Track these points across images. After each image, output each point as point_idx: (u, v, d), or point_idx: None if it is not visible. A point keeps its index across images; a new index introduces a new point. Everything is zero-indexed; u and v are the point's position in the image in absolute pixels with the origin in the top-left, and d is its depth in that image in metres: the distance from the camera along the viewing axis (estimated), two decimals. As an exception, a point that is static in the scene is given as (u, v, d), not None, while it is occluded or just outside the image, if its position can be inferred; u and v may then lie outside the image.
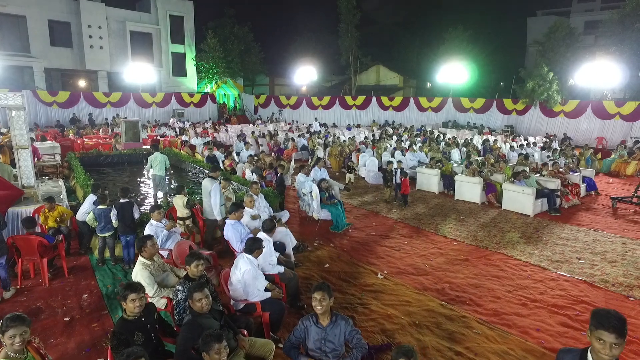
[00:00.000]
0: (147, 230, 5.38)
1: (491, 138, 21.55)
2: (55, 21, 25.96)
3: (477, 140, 18.86)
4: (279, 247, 5.76)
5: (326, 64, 37.93)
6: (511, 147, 16.43)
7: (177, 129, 26.30)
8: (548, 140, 19.62)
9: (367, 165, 12.98)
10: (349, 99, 32.27)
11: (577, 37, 25.30)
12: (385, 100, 31.34)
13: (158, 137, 19.07)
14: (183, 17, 31.48)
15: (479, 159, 13.24)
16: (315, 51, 37.46)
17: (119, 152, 14.75)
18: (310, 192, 8.38)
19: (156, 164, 9.06)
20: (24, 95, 7.35)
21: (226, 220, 5.60)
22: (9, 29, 24.51)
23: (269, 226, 5.07)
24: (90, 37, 26.66)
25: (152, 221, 5.53)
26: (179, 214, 6.70)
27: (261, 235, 4.87)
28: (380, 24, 37.49)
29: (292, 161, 12.17)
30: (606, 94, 24.28)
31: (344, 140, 16.41)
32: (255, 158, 11.26)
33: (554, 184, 10.02)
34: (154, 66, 29.84)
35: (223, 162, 11.54)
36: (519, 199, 9.49)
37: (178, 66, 31.89)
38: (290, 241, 6.25)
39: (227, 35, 33.36)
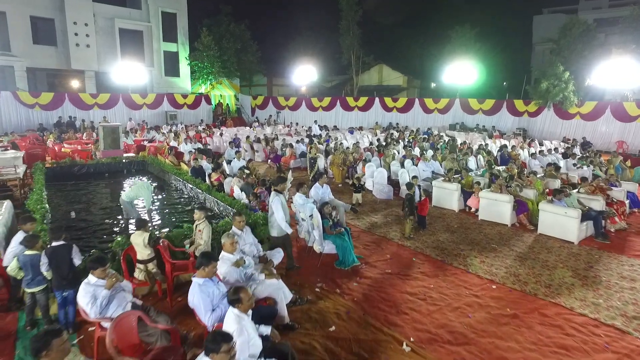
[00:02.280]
0: (82, 294, 3.82)
1: (501, 142, 20.08)
2: (38, 17, 24.40)
3: (492, 146, 17.28)
4: (266, 312, 4.20)
5: (326, 63, 36.40)
6: (532, 154, 14.85)
7: (168, 133, 24.82)
8: (569, 146, 18.05)
9: (375, 177, 11.41)
10: (350, 100, 30.73)
11: (594, 34, 23.75)
12: (388, 101, 29.81)
13: (144, 143, 17.52)
14: (176, 14, 29.92)
15: (501, 169, 11.68)
16: (315, 50, 35.91)
17: (96, 161, 13.18)
18: (311, 217, 6.82)
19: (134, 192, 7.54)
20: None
21: (192, 279, 4.02)
22: (-14, 25, 22.96)
23: (235, 298, 3.45)
24: (76, 34, 25.09)
25: (90, 278, 3.96)
26: (138, 256, 5.14)
27: (233, 313, 3.30)
28: (382, 21, 36.01)
29: (290, 173, 10.60)
30: (627, 95, 22.72)
31: (347, 147, 14.85)
32: (247, 171, 9.69)
33: (598, 203, 8.46)
34: (144, 66, 28.27)
35: (209, 175, 9.97)
36: (560, 221, 7.93)
37: (170, 66, 30.31)
38: (284, 296, 4.69)
39: (222, 33, 31.77)
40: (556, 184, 10.50)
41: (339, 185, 12.73)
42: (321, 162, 13.84)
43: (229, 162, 12.63)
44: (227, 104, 32.17)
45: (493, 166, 10.98)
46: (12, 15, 23.42)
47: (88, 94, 25.32)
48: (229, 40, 31.51)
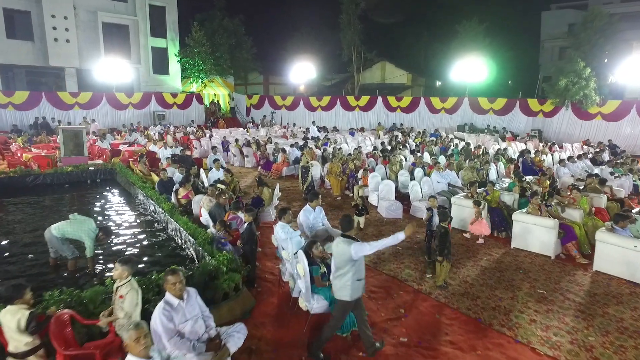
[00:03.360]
0: None
1: (516, 145, 18.18)
2: (12, 10, 22.51)
3: (509, 151, 15.36)
4: None
5: (326, 60, 34.49)
6: (560, 160, 12.91)
7: (157, 134, 22.94)
8: (598, 150, 16.12)
9: (381, 192, 9.50)
10: (351, 99, 28.82)
11: (616, 27, 21.80)
12: (392, 100, 27.88)
13: (121, 147, 15.62)
14: (165, 7, 28.01)
15: (530, 180, 9.77)
16: (315, 47, 33.99)
17: (54, 170, 11.30)
18: (296, 255, 4.92)
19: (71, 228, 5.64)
20: None
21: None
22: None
23: None
24: (55, 28, 23.18)
25: None
26: (10, 348, 3.22)
27: None
28: (385, 16, 34.04)
29: (276, 189, 8.70)
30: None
31: (349, 154, 12.94)
32: (222, 186, 7.79)
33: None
34: (130, 63, 26.38)
35: (176, 191, 8.07)
36: (627, 257, 6.03)
37: (159, 63, 28.39)
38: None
39: (215, 28, 29.86)
40: (602, 200, 8.60)
41: (338, 198, 10.84)
42: (317, 171, 11.97)
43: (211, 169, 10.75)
44: (215, 102, 30.30)
45: (524, 179, 9.04)
46: (-18, 7, 21.58)
47: (68, 92, 23.45)
48: (222, 36, 29.61)
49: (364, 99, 28.41)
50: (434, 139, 18.46)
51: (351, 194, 10.99)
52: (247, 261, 5.52)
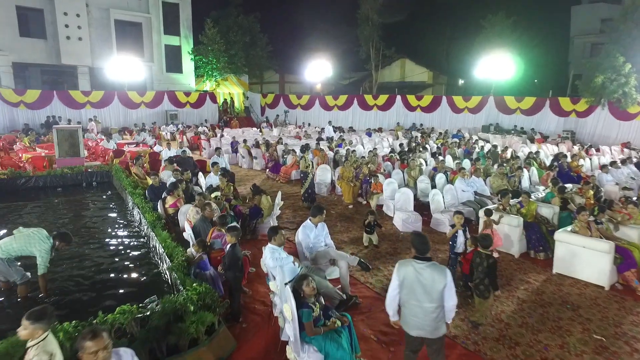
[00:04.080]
0: None
1: (547, 147, 16.67)
2: (25, 7, 22.30)
3: (542, 154, 13.94)
4: None
5: (343, 58, 33.40)
6: (602, 166, 11.46)
7: (168, 134, 22.36)
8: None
9: (397, 201, 8.37)
10: (369, 98, 27.63)
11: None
12: (412, 99, 26.57)
13: (125, 148, 14.94)
14: (178, 4, 27.48)
15: (570, 189, 8.47)
16: (332, 44, 32.91)
17: (47, 172, 10.61)
18: (286, 284, 3.89)
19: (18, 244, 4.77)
20: None
21: None
22: (-34, 16, 20.97)
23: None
24: (67, 26, 22.88)
25: None
26: None
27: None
28: (405, 11, 32.65)
29: (278, 197, 7.70)
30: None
31: (362, 156, 11.82)
32: (214, 195, 6.84)
33: None
34: (143, 61, 25.89)
35: (164, 199, 7.15)
36: None
37: (172, 61, 27.88)
38: None
39: (230, 25, 29.15)
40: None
41: (349, 206, 9.77)
42: (327, 175, 10.93)
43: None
44: (226, 101, 29.58)
45: (567, 190, 7.74)
46: (-4, 6, 21.40)
47: (80, 91, 23.11)
48: (237, 33, 28.88)
49: (382, 98, 27.19)
50: (457, 141, 17.14)
51: (364, 202, 9.92)
52: (230, 291, 4.54)
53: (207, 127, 23.93)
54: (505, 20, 27.37)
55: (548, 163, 12.28)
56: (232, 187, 8.30)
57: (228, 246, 4.50)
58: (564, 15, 36.96)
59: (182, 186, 7.36)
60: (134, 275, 5.63)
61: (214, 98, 28.01)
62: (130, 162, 10.75)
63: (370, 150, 12.79)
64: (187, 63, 28.62)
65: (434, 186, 9.53)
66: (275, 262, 4.19)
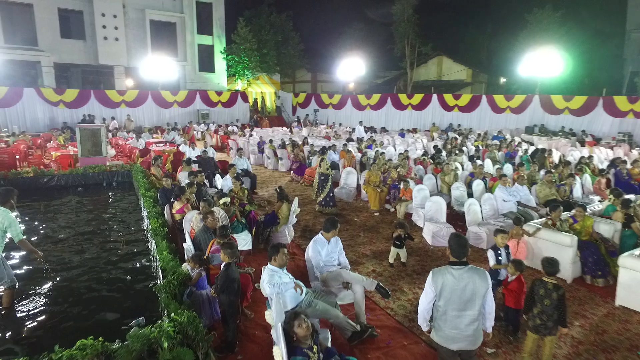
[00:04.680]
0: None
1: (600, 151, 15.03)
2: (66, 10, 23.05)
3: (596, 159, 12.50)
4: None
5: (378, 57, 32.41)
6: (670, 174, 9.98)
7: (199, 133, 22.39)
8: None
9: (428, 210, 7.50)
10: (403, 97, 26.53)
11: None
12: (449, 98, 25.21)
13: (152, 147, 14.86)
14: (212, 3, 27.58)
15: (635, 199, 7.24)
16: (366, 42, 32.06)
17: (70, 171, 10.53)
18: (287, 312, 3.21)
19: None
20: None
21: None
22: (14, 19, 21.85)
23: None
24: (104, 27, 23.44)
25: None
26: None
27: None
28: (443, 6, 31.22)
29: (294, 203, 7.05)
30: None
31: (389, 159, 10.94)
32: (223, 200, 6.30)
33: None
34: (177, 60, 26.18)
35: (171, 204, 6.68)
36: None
37: (205, 60, 28.03)
38: None
39: (262, 24, 28.97)
40: None
41: (375, 213, 8.98)
42: (352, 179, 10.18)
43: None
44: (255, 100, 29.37)
45: (633, 203, 6.56)
46: (39, 8, 22.20)
47: (115, 90, 23.59)
48: (269, 32, 28.63)
49: (417, 97, 26.02)
50: (497, 143, 15.85)
51: (392, 209, 9.10)
52: (224, 317, 3.93)
53: (236, 127, 23.78)
54: (553, 14, 25.49)
55: (603, 169, 10.92)
56: (246, 191, 7.73)
57: (222, 265, 3.88)
58: (620, 8, 33.99)
59: (191, 190, 6.85)
60: (131, 289, 5.16)
61: (245, 97, 27.91)
62: (152, 161, 10.49)
63: (400, 153, 11.89)
64: (220, 62, 28.68)
65: (470, 194, 8.58)
66: (273, 289, 3.53)
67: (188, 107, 25.54)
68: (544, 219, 6.38)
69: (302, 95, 30.67)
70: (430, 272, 3.09)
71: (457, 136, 18.73)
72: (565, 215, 6.35)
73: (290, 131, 23.26)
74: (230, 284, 3.80)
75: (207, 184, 9.48)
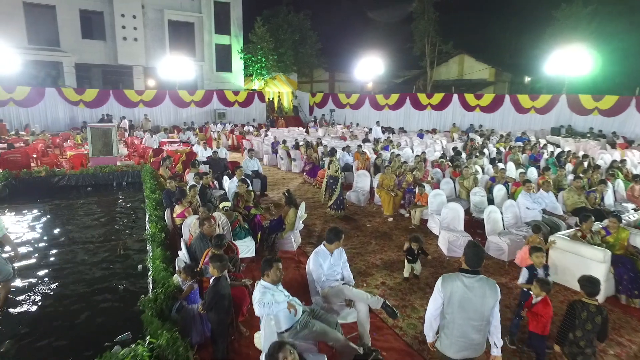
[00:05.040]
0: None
1: (632, 154, 14.09)
2: (87, 11, 23.35)
3: (629, 163, 11.68)
4: None
5: (396, 56, 31.71)
6: None
7: (216, 133, 22.33)
8: None
9: (445, 217, 7.01)
10: (422, 97, 25.83)
11: None
12: (470, 98, 24.38)
13: (165, 147, 14.78)
14: (229, 3, 27.52)
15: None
16: (385, 41, 31.44)
17: (80, 171, 10.48)
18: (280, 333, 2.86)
19: None
20: None
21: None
22: (36, 20, 22.27)
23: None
24: (124, 27, 23.66)
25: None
26: None
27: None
28: (464, 3, 30.33)
29: (301, 208, 6.69)
30: None
31: (405, 162, 10.44)
32: (223, 205, 5.99)
33: None
34: (194, 60, 26.22)
35: (172, 208, 6.41)
36: None
37: (222, 60, 28.00)
38: None
39: (279, 23, 28.76)
40: None
41: (389, 219, 8.53)
42: (365, 182, 9.75)
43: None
44: (271, 100, 29.16)
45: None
46: (61, 9, 22.57)
47: (134, 90, 23.79)
48: (286, 31, 28.39)
49: (437, 97, 25.28)
50: (521, 145, 15.09)
51: (407, 214, 8.63)
52: (213, 337, 3.60)
53: (253, 126, 23.63)
54: (582, 9, 24.32)
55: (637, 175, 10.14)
56: (252, 194, 7.41)
57: (211, 280, 3.55)
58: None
59: (193, 192, 6.58)
60: (124, 300, 4.89)
61: (262, 97, 27.76)
62: (160, 162, 10.33)
63: (417, 155, 11.37)
64: (237, 62, 28.63)
65: (491, 200, 8.04)
66: (263, 309, 3.17)
67: (205, 106, 25.56)
68: (573, 229, 5.83)
69: (319, 94, 30.32)
70: (440, 278, 3.00)
71: (478, 137, 18.02)
72: (596, 226, 5.78)
73: (307, 131, 22.96)
74: (219, 301, 3.46)
75: (217, 186, 9.27)
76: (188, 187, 6.69)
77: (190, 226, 5.55)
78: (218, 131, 22.57)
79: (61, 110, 21.61)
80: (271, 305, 3.19)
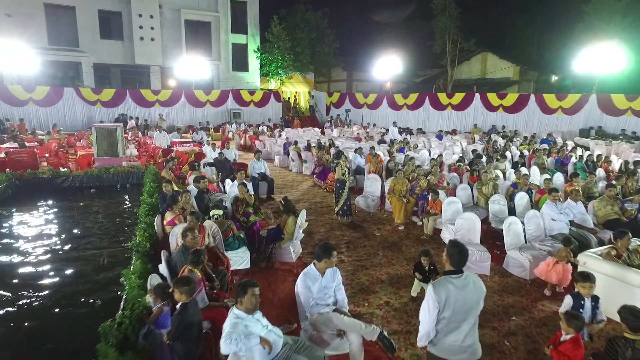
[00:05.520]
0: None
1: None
2: (106, 11, 23.55)
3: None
4: None
5: (416, 55, 30.86)
6: None
7: (231, 133, 22.12)
8: None
9: (459, 229, 6.36)
10: (442, 97, 24.95)
11: None
12: (492, 98, 23.36)
13: (175, 147, 14.56)
14: (246, 2, 27.32)
15: None
16: (404, 40, 30.64)
17: (85, 172, 10.29)
18: None
19: None
20: None
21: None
22: (56, 21, 22.58)
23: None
24: (141, 27, 23.74)
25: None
26: None
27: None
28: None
29: (301, 216, 6.20)
30: None
31: (418, 165, 9.78)
32: (215, 213, 5.57)
33: None
34: (211, 60, 26.12)
35: (163, 215, 6.02)
36: None
37: (239, 59, 27.83)
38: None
39: (297, 22, 28.36)
40: None
41: (400, 227, 7.95)
42: (376, 187, 9.18)
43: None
44: (289, 100, 28.77)
45: None
46: (81, 10, 22.81)
47: (150, 90, 23.84)
48: (303, 30, 27.96)
49: (458, 96, 24.34)
50: (547, 147, 14.18)
51: (419, 222, 8.02)
52: (180, 368, 3.15)
53: (269, 126, 23.30)
54: (615, 3, 22.94)
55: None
56: (253, 198, 6.97)
57: (178, 306, 3.10)
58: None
59: (185, 198, 6.18)
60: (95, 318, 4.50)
61: (278, 97, 27.45)
62: (164, 163, 10.03)
63: (432, 158, 10.69)
64: (253, 61, 28.41)
65: (511, 209, 7.35)
66: (230, 346, 2.68)
67: (221, 106, 25.43)
68: (606, 247, 5.13)
69: (336, 94, 29.79)
70: (430, 285, 2.88)
71: (500, 139, 17.13)
72: (634, 242, 5.06)
73: (322, 132, 22.49)
74: (186, 330, 3.01)
75: (223, 189, 8.90)
76: (173, 194, 6.27)
77: (177, 236, 5.14)
78: (232, 131, 22.37)
79: (79, 110, 21.82)
80: (239, 342, 2.70)
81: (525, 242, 6.13)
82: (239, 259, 5.65)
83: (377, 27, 32.93)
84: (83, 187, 10.07)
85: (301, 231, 6.24)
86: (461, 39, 26.26)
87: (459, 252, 2.88)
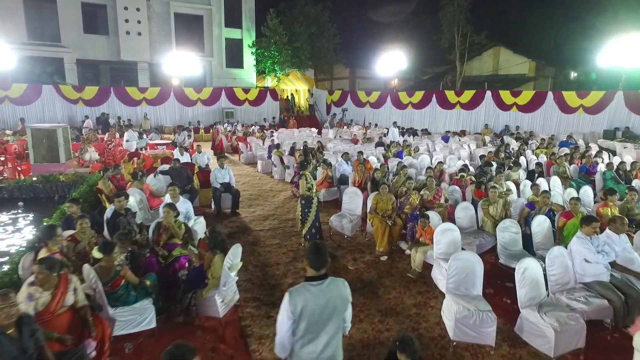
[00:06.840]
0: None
1: None
2: (90, 4, 22.12)
3: None
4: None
5: (424, 51, 28.96)
6: None
7: (223, 135, 20.53)
8: None
9: (452, 273, 4.53)
10: (450, 95, 22.97)
11: None
12: (505, 95, 21.33)
13: (144, 150, 13.02)
14: (241, -6, 25.71)
15: None
16: (411, 34, 28.77)
17: (16, 181, 8.74)
18: None
19: None
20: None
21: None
22: (36, 15, 21.26)
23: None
24: (127, 21, 22.30)
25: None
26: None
27: None
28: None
29: (232, 253, 4.47)
30: None
31: (409, 177, 7.94)
32: (95, 256, 3.91)
33: None
34: (203, 56, 24.60)
35: (36, 253, 4.35)
36: None
37: (233, 55, 26.22)
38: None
39: (295, 15, 26.67)
40: None
41: (382, 258, 6.22)
42: (357, 203, 7.39)
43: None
44: (287, 99, 27.09)
45: None
46: (63, 3, 21.45)
47: (136, 88, 22.40)
48: (302, 24, 26.24)
49: (468, 94, 22.35)
50: (568, 151, 12.21)
51: (407, 251, 6.26)
52: None
53: (261, 126, 21.68)
54: (643, -9, 20.75)
55: None
56: (183, 226, 5.29)
57: None
58: None
59: (80, 226, 4.53)
60: None
61: (275, 95, 25.78)
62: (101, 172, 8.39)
63: (429, 167, 8.84)
64: (248, 57, 26.79)
65: (527, 236, 5.54)
66: None
67: (213, 105, 23.88)
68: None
69: (337, 92, 28.02)
70: (287, 293, 2.54)
71: (514, 141, 15.20)
72: None
73: (319, 132, 20.81)
74: None
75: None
76: (51, 225, 4.61)
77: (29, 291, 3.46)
78: (222, 132, 20.81)
79: (59, 109, 20.48)
80: None
81: (548, 293, 4.33)
82: (136, 317, 3.98)
83: (380, 21, 31.02)
84: (14, 199, 8.53)
85: (233, 274, 4.53)
86: (471, 32, 24.21)
87: (315, 252, 2.61)
